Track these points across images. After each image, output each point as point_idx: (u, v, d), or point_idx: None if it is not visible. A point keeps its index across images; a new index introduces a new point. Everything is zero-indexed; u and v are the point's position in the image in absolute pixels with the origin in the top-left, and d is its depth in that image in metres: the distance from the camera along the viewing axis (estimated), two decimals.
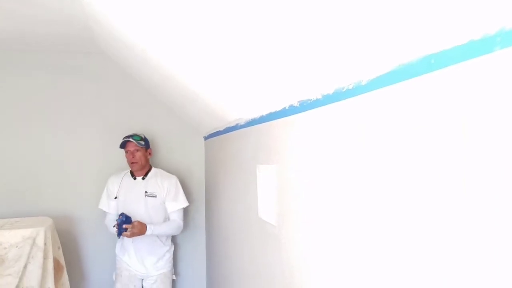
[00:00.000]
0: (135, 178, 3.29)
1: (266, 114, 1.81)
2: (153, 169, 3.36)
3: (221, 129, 2.85)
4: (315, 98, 1.33)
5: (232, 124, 2.45)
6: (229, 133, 2.61)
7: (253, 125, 2.05)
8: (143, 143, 3.24)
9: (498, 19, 0.65)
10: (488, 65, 0.67)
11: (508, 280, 0.64)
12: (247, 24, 1.32)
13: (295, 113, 1.50)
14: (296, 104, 1.48)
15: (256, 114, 1.96)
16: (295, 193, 1.54)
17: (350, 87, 1.12)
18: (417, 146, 0.85)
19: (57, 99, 3.52)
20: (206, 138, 3.63)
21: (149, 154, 3.35)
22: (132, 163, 3.24)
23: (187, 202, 3.30)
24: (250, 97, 1.88)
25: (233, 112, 2.26)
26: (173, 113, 3.70)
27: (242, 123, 2.24)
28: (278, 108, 1.65)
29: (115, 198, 3.23)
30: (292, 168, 1.56)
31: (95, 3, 2.17)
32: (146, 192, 3.22)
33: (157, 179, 3.29)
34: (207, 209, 3.71)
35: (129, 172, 3.35)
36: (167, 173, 3.38)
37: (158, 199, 3.22)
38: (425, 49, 0.81)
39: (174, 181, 3.32)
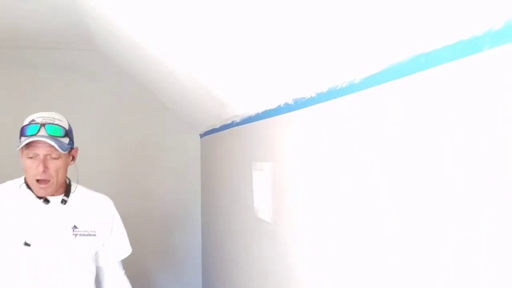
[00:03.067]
0: (47, 201, 1.73)
1: (261, 112, 1.83)
2: (73, 185, 1.85)
3: (216, 127, 2.86)
4: (309, 96, 1.35)
5: (228, 122, 2.46)
6: (225, 130, 2.62)
7: (248, 122, 2.06)
8: (66, 142, 1.68)
9: (486, 20, 0.66)
10: (477, 64, 0.68)
11: None
12: (244, 22, 1.33)
13: (290, 111, 1.51)
14: (291, 102, 1.49)
15: (251, 112, 1.97)
16: (290, 191, 1.55)
17: (344, 85, 1.13)
18: (409, 143, 0.86)
19: (50, 96, 3.51)
20: (202, 135, 3.64)
21: (73, 159, 1.80)
22: (39, 181, 1.66)
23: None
24: (245, 95, 1.89)
25: (229, 109, 2.27)
26: (169, 110, 3.70)
27: (238, 121, 2.25)
28: (273, 106, 1.66)
29: (26, 244, 1.65)
30: (287, 165, 1.58)
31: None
32: (75, 227, 1.76)
33: (88, 204, 1.85)
34: (203, 207, 3.72)
35: (25, 185, 1.72)
36: (97, 193, 1.93)
37: (97, 240, 1.83)
38: (415, 48, 0.82)
39: (112, 207, 1.94)
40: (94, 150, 3.59)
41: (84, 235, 1.76)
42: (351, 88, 1.10)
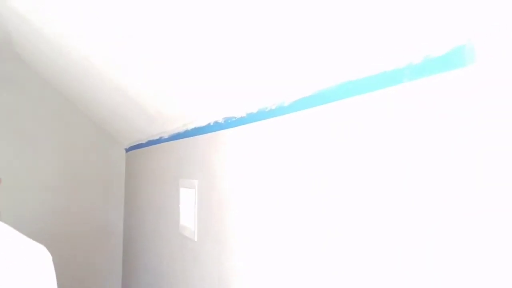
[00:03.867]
0: None
1: (191, 129, 1.82)
2: None
3: (143, 142, 2.80)
4: (239, 116, 1.37)
5: (156, 137, 2.43)
6: (152, 146, 2.58)
7: (177, 139, 2.05)
8: None
9: (407, 54, 0.71)
10: (398, 95, 0.73)
11: None
12: (177, 41, 1.32)
13: (220, 129, 1.52)
14: (221, 120, 1.51)
15: (180, 129, 1.96)
16: (217, 209, 1.55)
17: (273, 107, 1.16)
18: (337, 165, 0.90)
19: None
20: (127, 150, 3.55)
21: None
22: None
23: None
24: (175, 111, 1.88)
25: (158, 125, 2.24)
26: (93, 123, 3.59)
27: (166, 137, 2.22)
28: (203, 124, 1.67)
29: None
30: (215, 183, 1.58)
31: (15, 4, 2.08)
32: None
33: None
34: (125, 222, 3.62)
35: None
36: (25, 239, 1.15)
37: None
38: (344, 76, 0.86)
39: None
40: (10, 165, 3.38)
41: None
42: (280, 110, 1.13)
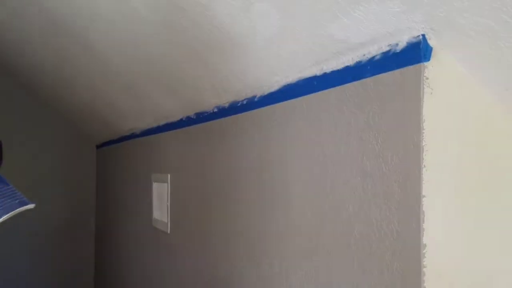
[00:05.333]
0: None
1: (162, 125, 1.85)
2: None
3: (115, 138, 2.81)
4: (210, 111, 1.41)
5: (127, 134, 2.44)
6: (124, 142, 2.59)
7: (148, 135, 2.07)
8: None
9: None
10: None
11: None
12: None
13: (192, 125, 1.56)
14: (193, 116, 1.54)
15: (152, 124, 1.99)
16: (189, 201, 1.59)
17: (244, 102, 1.21)
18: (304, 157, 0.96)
19: None
20: (98, 147, 3.54)
21: None
22: None
23: None
24: (145, 107, 1.90)
25: (129, 122, 2.25)
26: (63, 119, 3.55)
27: (138, 133, 2.24)
28: (176, 119, 1.70)
29: None
30: (187, 177, 1.62)
31: None
32: None
33: None
34: (97, 219, 3.60)
35: None
36: None
37: None
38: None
39: None
40: None
41: None
42: (250, 106, 1.18)
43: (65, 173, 3.58)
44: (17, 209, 1.00)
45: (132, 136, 2.36)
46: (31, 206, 1.01)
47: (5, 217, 0.97)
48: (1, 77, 3.39)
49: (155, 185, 1.96)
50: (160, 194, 1.89)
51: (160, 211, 1.88)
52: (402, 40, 0.72)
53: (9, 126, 3.40)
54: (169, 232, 1.78)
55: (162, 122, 1.86)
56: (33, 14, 1.69)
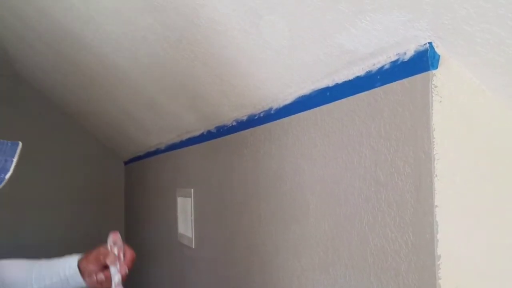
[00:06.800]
0: None
1: (185, 139, 1.87)
2: None
3: (141, 154, 2.85)
4: (230, 125, 1.42)
5: (153, 149, 2.48)
6: (150, 158, 2.63)
7: (172, 150, 2.10)
8: None
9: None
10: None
11: None
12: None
13: (213, 139, 1.57)
14: (213, 129, 1.56)
15: (175, 139, 2.01)
16: (212, 216, 1.60)
17: (261, 115, 1.21)
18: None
19: None
20: (126, 163, 3.60)
21: None
22: None
23: None
24: (168, 123, 1.93)
25: (153, 137, 2.29)
26: (93, 137, 3.64)
27: (162, 148, 2.28)
28: (196, 134, 1.72)
29: None
30: (210, 192, 1.63)
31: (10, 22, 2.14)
32: None
33: None
34: (126, 234, 3.65)
35: None
36: None
37: None
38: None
39: None
40: (9, 181, 3.41)
41: None
42: (267, 118, 1.18)
43: (95, 190, 3.65)
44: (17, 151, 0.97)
45: (157, 151, 2.39)
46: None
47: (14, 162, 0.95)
48: (36, 98, 3.50)
49: (179, 200, 1.98)
50: (184, 208, 1.90)
51: (185, 225, 1.90)
52: (409, 49, 0.71)
53: (43, 145, 3.50)
54: (193, 247, 1.79)
55: (184, 137, 1.88)
56: (61, 38, 1.75)
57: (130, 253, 1.01)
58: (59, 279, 1.00)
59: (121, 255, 0.98)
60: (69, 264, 1.02)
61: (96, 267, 0.98)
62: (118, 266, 0.96)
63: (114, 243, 0.99)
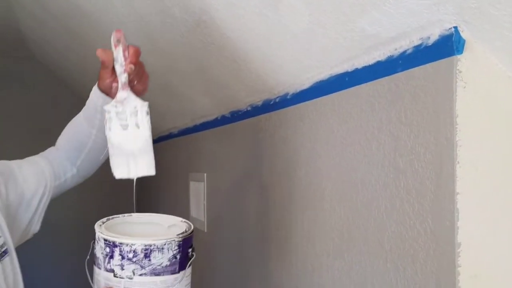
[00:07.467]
0: None
1: (199, 124, 1.87)
2: None
3: (155, 138, 2.86)
4: (245, 109, 1.41)
5: (166, 133, 2.48)
6: (163, 142, 2.64)
7: (185, 134, 2.10)
8: None
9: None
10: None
11: None
12: None
13: (227, 123, 1.57)
14: (227, 114, 1.55)
15: (189, 124, 2.01)
16: (224, 200, 1.60)
17: (277, 100, 1.21)
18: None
19: None
20: None
21: None
22: None
23: None
24: (182, 107, 1.93)
25: (167, 122, 2.29)
26: None
27: (176, 132, 2.28)
28: (211, 118, 1.71)
29: None
30: (222, 176, 1.63)
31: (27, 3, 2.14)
32: None
33: None
34: None
35: None
36: None
37: None
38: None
39: None
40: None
41: None
42: (282, 103, 1.17)
43: (109, 172, 3.66)
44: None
45: (170, 135, 2.39)
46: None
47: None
48: (51, 80, 3.51)
49: (192, 184, 1.99)
50: (197, 193, 1.91)
51: (197, 209, 1.91)
52: (434, 33, 0.70)
53: (58, 127, 3.51)
54: (205, 230, 1.79)
55: (198, 121, 1.88)
56: (78, 21, 1.74)
57: (133, 49, 0.89)
58: (101, 115, 0.96)
59: (126, 54, 0.88)
60: (95, 96, 0.98)
61: (110, 77, 0.92)
62: (123, 65, 0.87)
63: (118, 41, 0.88)
